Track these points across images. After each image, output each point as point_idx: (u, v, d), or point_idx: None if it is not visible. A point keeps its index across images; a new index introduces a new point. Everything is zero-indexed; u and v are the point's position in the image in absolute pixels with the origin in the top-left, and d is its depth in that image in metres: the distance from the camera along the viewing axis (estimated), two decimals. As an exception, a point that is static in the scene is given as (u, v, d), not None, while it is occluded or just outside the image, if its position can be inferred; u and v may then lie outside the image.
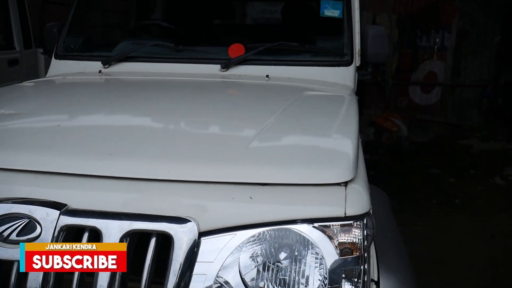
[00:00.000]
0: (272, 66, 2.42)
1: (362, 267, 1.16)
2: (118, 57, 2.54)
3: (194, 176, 1.21)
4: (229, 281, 1.12)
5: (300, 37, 2.52)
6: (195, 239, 1.13)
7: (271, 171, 1.21)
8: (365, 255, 1.18)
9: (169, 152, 1.31)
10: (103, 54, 2.64)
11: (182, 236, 1.13)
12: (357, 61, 2.51)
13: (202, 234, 1.15)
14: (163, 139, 1.42)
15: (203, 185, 1.20)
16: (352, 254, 1.15)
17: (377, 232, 1.42)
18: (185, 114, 1.68)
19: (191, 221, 1.14)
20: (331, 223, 1.15)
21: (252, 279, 1.12)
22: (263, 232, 1.15)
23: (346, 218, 1.15)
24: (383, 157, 6.29)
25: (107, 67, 2.58)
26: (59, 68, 2.69)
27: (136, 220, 1.15)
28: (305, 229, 1.15)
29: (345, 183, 1.22)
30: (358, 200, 1.19)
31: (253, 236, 1.15)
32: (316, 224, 1.15)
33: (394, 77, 7.04)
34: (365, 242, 1.18)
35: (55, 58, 2.72)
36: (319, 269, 1.13)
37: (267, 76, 2.32)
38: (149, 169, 1.23)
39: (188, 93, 2.04)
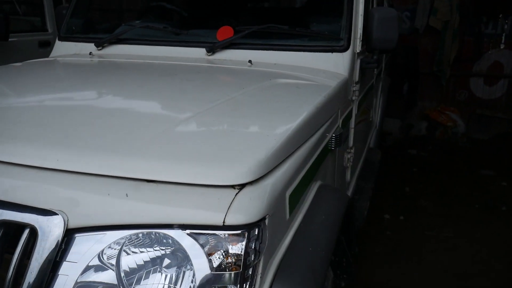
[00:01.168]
0: (260, 51, 2.24)
1: (239, 286, 0.99)
2: (108, 39, 2.51)
3: (74, 166, 1.10)
4: (90, 286, 1.01)
5: (294, 18, 2.31)
6: (61, 235, 1.03)
7: (156, 166, 1.07)
8: (249, 272, 1.01)
9: (69, 139, 1.22)
10: (98, 36, 2.62)
11: (47, 230, 1.03)
12: (357, 47, 2.25)
13: (71, 230, 1.05)
14: (76, 125, 1.33)
15: (81, 177, 1.09)
16: (229, 270, 0.98)
17: (303, 246, 1.23)
18: (120, 101, 1.58)
19: (58, 215, 1.04)
20: (206, 231, 0.99)
21: (114, 285, 1.00)
22: (134, 234, 1.02)
23: (224, 227, 0.98)
24: (432, 154, 5.78)
25: (100, 49, 2.56)
26: (61, 49, 2.72)
27: (7, 209, 1.07)
28: (177, 236, 1.00)
29: (241, 186, 1.05)
30: (247, 207, 1.01)
31: (123, 238, 1.02)
32: (188, 231, 0.99)
33: (452, 67, 6.41)
34: (250, 257, 1.00)
35: (58, 39, 2.76)
36: (190, 283, 0.98)
37: (250, 61, 2.15)
38: (37, 156, 1.14)
39: (152, 78, 1.93)
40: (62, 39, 2.75)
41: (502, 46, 6.27)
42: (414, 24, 6.44)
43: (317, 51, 2.17)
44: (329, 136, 1.74)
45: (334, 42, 2.18)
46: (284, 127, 1.30)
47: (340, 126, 1.98)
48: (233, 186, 1.04)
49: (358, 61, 2.31)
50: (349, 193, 2.65)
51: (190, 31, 2.46)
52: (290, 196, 1.20)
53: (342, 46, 2.16)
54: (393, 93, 6.69)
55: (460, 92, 6.60)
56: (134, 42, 2.50)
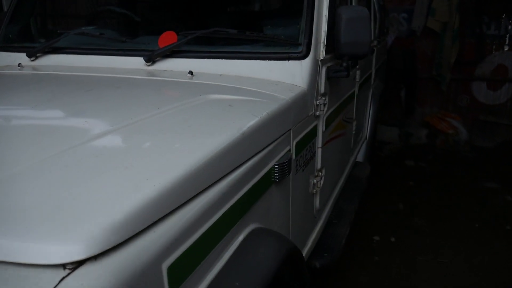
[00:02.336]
0: (206, 60, 1.91)
1: None
2: (41, 48, 2.20)
3: None
4: None
5: (248, 21, 1.97)
6: None
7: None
8: None
9: None
10: (32, 45, 2.31)
11: None
12: (320, 53, 1.90)
13: None
14: None
15: None
16: None
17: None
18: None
19: None
20: None
21: None
22: None
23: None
24: (432, 164, 5.39)
25: (33, 60, 2.25)
26: (-3, 60, 2.42)
27: None
28: None
29: (77, 264, 0.71)
30: None
31: None
32: None
33: (453, 71, 6.02)
34: None
35: (-6, 49, 2.45)
36: None
37: (190, 72, 1.82)
38: None
39: (62, 95, 1.60)
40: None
41: (506, 48, 5.87)
42: (411, 26, 6.07)
43: (270, 59, 1.83)
44: (270, 165, 1.40)
45: (291, 48, 1.84)
46: (177, 167, 0.96)
47: (293, 150, 1.64)
48: (63, 266, 0.71)
49: (324, 70, 1.97)
50: (320, 222, 2.30)
51: (131, 39, 2.13)
52: (171, 268, 0.86)
53: (300, 52, 1.82)
54: (390, 99, 6.33)
55: (462, 97, 6.21)
56: (71, 51, 2.19)
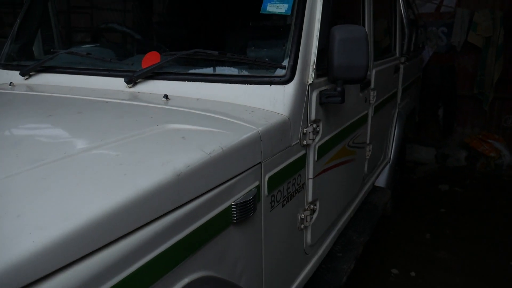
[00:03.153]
0: (186, 82, 1.79)
1: None
2: (32, 67, 2.18)
3: None
4: None
5: (232, 41, 1.84)
6: None
7: None
8: None
9: None
10: (26, 64, 2.30)
11: None
12: (309, 77, 1.74)
13: None
14: None
15: None
16: None
17: None
18: None
19: None
20: None
21: None
22: None
23: None
24: (469, 190, 4.99)
25: (27, 79, 2.23)
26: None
27: None
28: None
29: None
30: None
31: None
32: None
33: (496, 90, 5.58)
34: None
35: (-1, 67, 2.47)
36: None
37: (166, 96, 1.71)
38: None
39: (23, 119, 1.53)
40: (2, 66, 2.46)
41: (557, 65, 5.38)
42: (451, 40, 5.71)
43: (251, 84, 1.68)
44: (224, 205, 1.24)
45: (274, 72, 1.69)
46: (77, 214, 0.84)
47: (264, 185, 1.48)
48: None
49: (315, 95, 1.80)
50: (315, 258, 2.11)
51: (118, 58, 2.06)
52: None
53: (284, 76, 1.66)
54: (427, 118, 5.96)
55: (506, 117, 5.74)
56: (61, 70, 2.15)
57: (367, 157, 2.89)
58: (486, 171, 5.55)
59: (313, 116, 1.81)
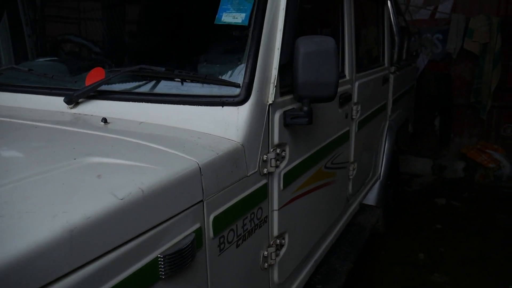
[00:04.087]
0: (132, 103, 1.58)
1: None
2: (-29, 85, 1.97)
3: None
4: None
5: (184, 57, 1.63)
6: None
7: None
8: None
9: None
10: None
11: None
12: (269, 96, 1.52)
13: None
14: None
15: None
16: None
17: None
18: None
19: None
20: None
21: None
22: None
23: None
24: (467, 203, 4.75)
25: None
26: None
27: None
28: None
29: None
30: None
31: None
32: None
33: (495, 98, 5.34)
34: None
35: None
36: None
37: (104, 120, 1.49)
38: None
39: None
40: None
41: (557, 72, 5.16)
42: (446, 47, 5.49)
43: (201, 105, 1.47)
44: (148, 258, 1.02)
45: (227, 91, 1.47)
46: None
47: (208, 227, 1.25)
48: None
49: (277, 116, 1.58)
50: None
51: (63, 75, 1.85)
52: None
53: (237, 96, 1.45)
54: (422, 128, 5.74)
55: (506, 126, 5.51)
56: (3, 88, 1.94)
57: (351, 177, 2.66)
58: (485, 182, 5.31)
59: (276, 140, 1.60)
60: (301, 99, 1.58)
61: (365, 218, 3.12)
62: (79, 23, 2.41)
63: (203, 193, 1.22)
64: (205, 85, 1.50)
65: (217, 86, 1.49)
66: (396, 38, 3.74)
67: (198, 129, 1.44)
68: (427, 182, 5.39)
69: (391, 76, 3.60)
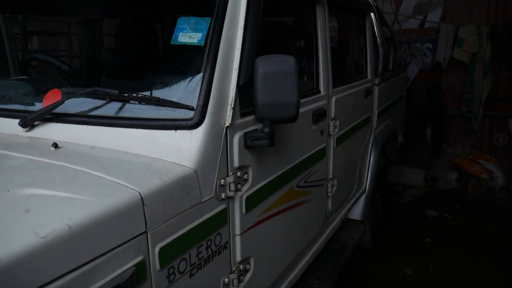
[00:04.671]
0: (87, 126, 1.53)
1: None
2: None
3: None
4: None
5: (140, 78, 1.58)
6: None
7: None
8: None
9: None
10: None
11: None
12: (227, 118, 1.47)
13: None
14: None
15: None
16: None
17: None
18: None
19: None
20: None
21: None
22: None
23: None
24: (459, 215, 4.68)
25: None
26: None
27: None
28: None
29: None
30: None
31: None
32: None
33: (487, 107, 5.28)
34: None
35: None
36: None
37: (54, 145, 1.44)
38: None
39: None
40: None
41: (548, 81, 5.10)
42: (436, 57, 5.45)
43: (154, 128, 1.42)
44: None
45: (181, 114, 1.42)
46: None
47: (154, 259, 1.20)
48: None
49: (237, 138, 1.53)
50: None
51: (22, 96, 1.81)
52: None
53: (191, 119, 1.39)
54: (414, 138, 5.68)
55: (498, 136, 5.44)
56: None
57: (330, 194, 2.60)
58: (478, 193, 5.24)
59: (236, 163, 1.54)
60: (262, 120, 1.53)
61: (348, 234, 3.05)
62: (49, 41, 2.37)
63: (146, 224, 1.16)
64: (159, 107, 1.45)
65: (171, 108, 1.43)
66: (380, 50, 3.70)
67: (150, 154, 1.39)
68: (420, 194, 5.32)
69: (376, 88, 3.55)
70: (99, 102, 1.53)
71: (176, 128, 1.39)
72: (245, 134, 1.57)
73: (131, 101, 1.50)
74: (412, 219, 4.59)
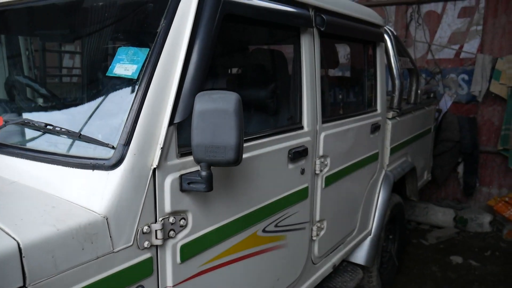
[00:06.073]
0: (15, 158, 1.45)
1: None
2: None
3: None
4: None
5: (70, 112, 1.50)
6: None
7: None
8: None
9: None
10: None
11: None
12: (154, 159, 1.34)
13: None
14: None
15: None
16: None
17: None
18: None
19: None
20: None
21: None
22: None
23: None
24: (488, 264, 4.23)
25: None
26: None
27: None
28: None
29: None
30: None
31: None
32: None
33: (526, 145, 4.83)
34: None
35: None
36: None
37: (-26, 178, 1.37)
38: None
39: None
40: None
41: None
42: (470, 89, 5.07)
43: (71, 166, 1.31)
44: None
45: (100, 153, 1.31)
46: None
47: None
48: None
49: (169, 181, 1.39)
50: None
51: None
52: None
53: (109, 160, 1.27)
54: (445, 175, 5.28)
55: (539, 178, 4.94)
56: None
57: (316, 238, 2.38)
58: (513, 240, 4.74)
59: (168, 208, 1.40)
60: (198, 162, 1.39)
61: (343, 281, 2.79)
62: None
63: (24, 278, 1.04)
64: (83, 143, 1.35)
65: (93, 146, 1.33)
66: (396, 81, 3.47)
67: (65, 195, 1.28)
68: (447, 236, 4.89)
69: (389, 122, 3.30)
70: (30, 134, 1.46)
71: (93, 167, 1.28)
72: (181, 176, 1.42)
73: (61, 135, 1.41)
74: (432, 265, 4.20)
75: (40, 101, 1.78)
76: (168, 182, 1.39)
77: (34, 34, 2.05)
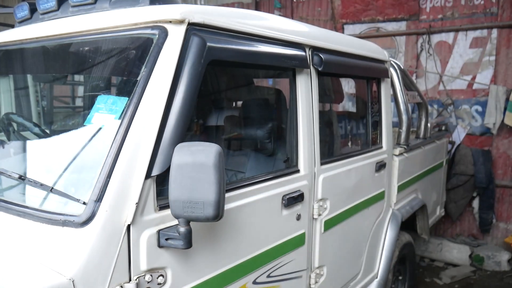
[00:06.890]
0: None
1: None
2: None
3: None
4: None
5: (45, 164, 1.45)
6: None
7: None
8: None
9: None
10: None
11: None
12: (129, 215, 1.27)
13: None
14: None
15: None
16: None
17: None
18: None
19: None
20: None
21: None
22: None
23: None
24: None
25: None
26: None
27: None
28: None
29: None
30: None
31: None
32: None
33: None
34: None
35: None
36: None
37: None
38: None
39: None
40: None
41: None
42: (484, 121, 4.93)
43: (42, 222, 1.25)
44: None
45: (71, 209, 1.24)
46: None
47: None
48: None
49: (146, 237, 1.32)
50: None
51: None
52: None
53: (78, 216, 1.21)
54: (459, 210, 5.08)
55: (560, 215, 4.70)
56: None
57: (314, 286, 2.26)
58: (534, 281, 4.49)
59: (144, 266, 1.32)
60: (176, 218, 1.31)
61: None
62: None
63: None
64: (55, 197, 1.29)
65: (65, 200, 1.27)
66: (404, 117, 3.37)
67: (34, 254, 1.21)
68: (462, 275, 4.66)
69: (396, 159, 3.19)
70: (4, 183, 1.41)
71: (63, 224, 1.22)
72: (159, 231, 1.35)
73: (34, 187, 1.36)
74: (446, 307, 3.99)
75: (16, 149, 1.75)
76: (145, 238, 1.31)
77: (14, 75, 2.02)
